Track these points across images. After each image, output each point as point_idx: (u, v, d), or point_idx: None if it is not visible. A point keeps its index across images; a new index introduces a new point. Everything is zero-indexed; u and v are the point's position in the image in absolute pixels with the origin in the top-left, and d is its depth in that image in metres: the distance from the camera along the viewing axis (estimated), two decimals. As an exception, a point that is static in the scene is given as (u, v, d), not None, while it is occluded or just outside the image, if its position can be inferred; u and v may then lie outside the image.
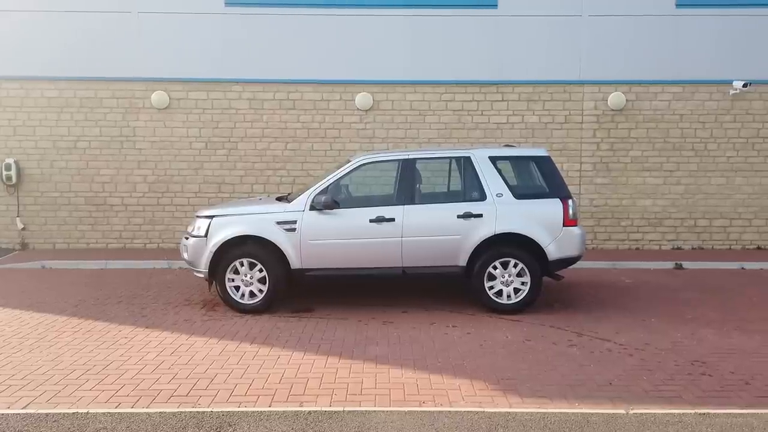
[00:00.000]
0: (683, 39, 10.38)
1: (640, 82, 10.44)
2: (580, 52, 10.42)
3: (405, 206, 6.52)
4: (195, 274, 6.78)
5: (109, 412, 4.01)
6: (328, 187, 6.61)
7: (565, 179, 10.39)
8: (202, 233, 6.59)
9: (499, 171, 6.66)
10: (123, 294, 7.50)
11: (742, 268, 9.35)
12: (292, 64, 10.29)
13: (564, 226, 6.52)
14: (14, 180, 10.20)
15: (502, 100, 10.47)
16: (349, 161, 6.91)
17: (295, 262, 6.51)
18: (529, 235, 6.46)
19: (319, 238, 6.48)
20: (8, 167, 10.14)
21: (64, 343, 5.52)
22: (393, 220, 6.46)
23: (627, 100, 10.44)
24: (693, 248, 10.66)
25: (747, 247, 10.69)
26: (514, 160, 6.97)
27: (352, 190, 7.05)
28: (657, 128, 10.53)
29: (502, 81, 10.43)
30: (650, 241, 10.70)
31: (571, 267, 7.08)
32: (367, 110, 10.40)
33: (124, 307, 6.84)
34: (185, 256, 6.79)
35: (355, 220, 6.50)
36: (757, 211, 10.64)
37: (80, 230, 10.50)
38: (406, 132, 10.47)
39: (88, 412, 4.01)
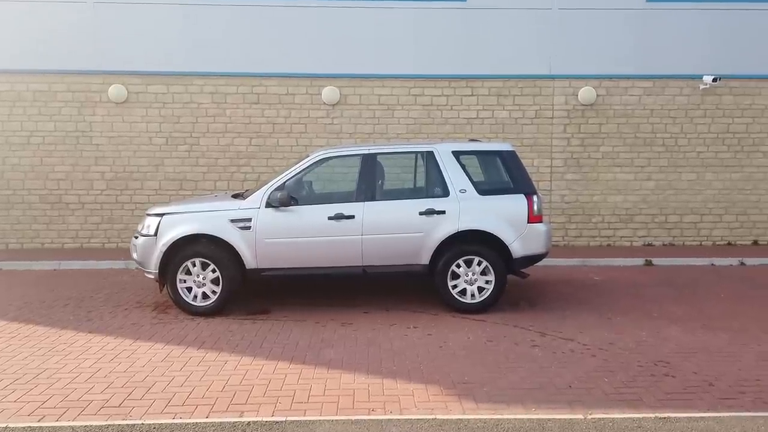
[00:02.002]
0: (653, 33, 10.28)
1: (610, 77, 10.33)
2: (551, 46, 10.26)
3: (365, 203, 6.27)
4: (146, 274, 6.46)
5: (30, 426, 3.70)
6: (284, 183, 6.34)
7: (536, 175, 10.36)
8: (152, 232, 6.27)
9: (463, 166, 6.45)
10: (72, 296, 7.14)
11: (712, 265, 9.28)
12: (256, 57, 9.97)
13: (529, 222, 6.33)
14: (-37, 177, 9.73)
15: (472, 95, 10.28)
16: (308, 156, 6.64)
17: (250, 262, 6.22)
18: (492, 232, 6.26)
19: (275, 236, 6.20)
20: (-44, 164, 9.67)
21: (-3, 349, 5.18)
22: (353, 217, 6.21)
23: (597, 95, 10.31)
24: (664, 245, 10.59)
25: (717, 243, 10.65)
26: (478, 155, 6.76)
27: (310, 187, 6.78)
28: (628, 123, 10.43)
29: (471, 75, 10.23)
30: (621, 237, 10.60)
31: (540, 264, 6.93)
32: (334, 105, 10.13)
33: (70, 311, 6.49)
34: (134, 256, 6.46)
35: (313, 217, 6.24)
36: (728, 206, 10.60)
37: (34, 229, 10.06)
38: (375, 127, 10.22)
39: (6, 427, 3.69)
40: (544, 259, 7.35)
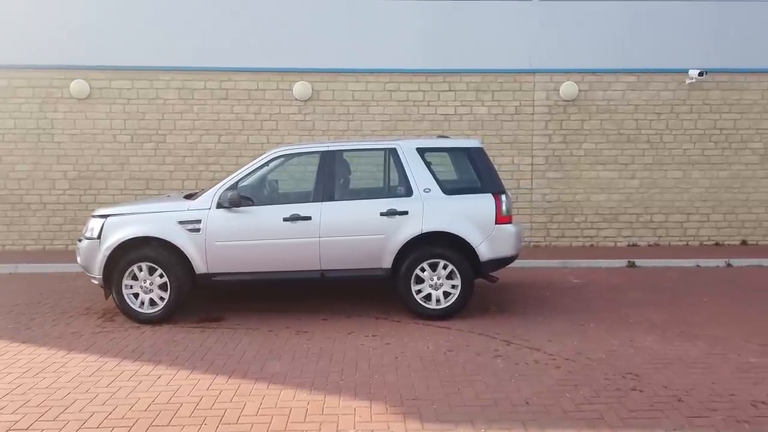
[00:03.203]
0: (638, 26, 9.92)
1: (593, 71, 9.97)
2: (531, 39, 9.90)
3: (323, 203, 5.90)
4: (91, 280, 6.08)
5: None
6: (236, 182, 5.96)
7: (516, 173, 10.02)
8: (95, 235, 5.90)
9: (428, 164, 6.08)
10: (19, 302, 6.76)
11: (698, 266, 8.94)
12: (224, 51, 9.59)
13: (497, 223, 5.96)
14: None
15: (450, 90, 9.91)
16: (264, 154, 6.26)
17: (200, 266, 5.85)
18: (458, 234, 5.89)
19: (227, 239, 5.83)
20: None
21: None
22: (309, 218, 5.83)
23: (580, 90, 9.95)
24: (649, 245, 10.24)
25: (705, 243, 10.30)
26: (443, 152, 6.39)
27: (265, 186, 6.40)
28: (611, 120, 10.07)
29: (449, 70, 9.86)
30: (605, 237, 10.25)
31: (517, 266, 6.60)
32: (306, 100, 9.75)
33: (12, 318, 6.11)
34: (78, 260, 6.08)
35: (266, 218, 5.86)
36: (715, 205, 10.25)
37: (-5, 231, 9.67)
38: (349, 124, 9.85)
39: None
40: (522, 261, 7.03)
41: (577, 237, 10.21)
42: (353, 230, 5.87)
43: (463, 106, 9.94)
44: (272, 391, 4.23)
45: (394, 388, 4.28)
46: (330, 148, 6.10)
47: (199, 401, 4.06)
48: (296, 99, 9.72)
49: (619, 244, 10.22)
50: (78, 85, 9.43)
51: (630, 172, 10.14)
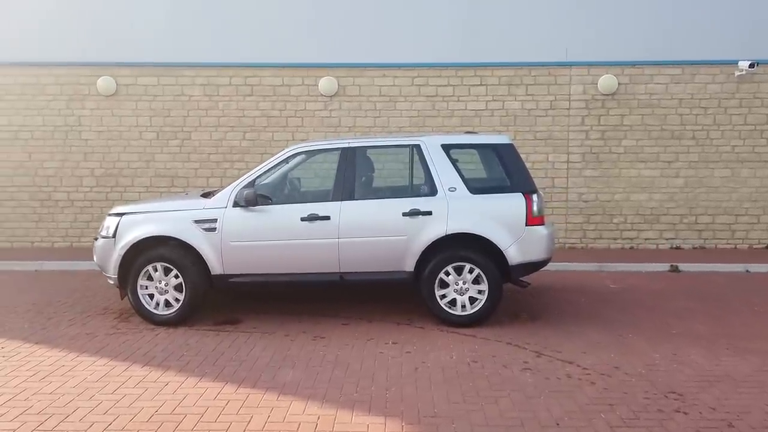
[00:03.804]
0: (682, 14, 9.34)
1: (633, 64, 9.41)
2: (568, 30, 9.41)
3: (342, 202, 5.62)
4: (108, 280, 5.95)
5: None
6: (254, 180, 5.74)
7: (551, 171, 9.55)
8: (111, 233, 5.76)
9: (454, 161, 5.73)
10: (40, 300, 6.71)
11: (747, 272, 8.32)
12: (249, 46, 9.43)
13: (527, 225, 5.57)
14: (-49, 174, 9.47)
15: (481, 85, 9.50)
16: (282, 151, 6.02)
17: (215, 267, 5.64)
18: (485, 236, 5.53)
19: (243, 239, 5.61)
20: (-55, 160, 9.41)
21: (-73, 363, 4.72)
22: (328, 218, 5.56)
23: (619, 84, 9.41)
24: (694, 248, 9.63)
25: (755, 246, 9.64)
26: (471, 148, 6.03)
27: (283, 184, 6.16)
28: (653, 114, 9.50)
29: (480, 63, 9.45)
30: (646, 239, 9.69)
31: (551, 269, 6.21)
32: (331, 96, 9.50)
33: (30, 317, 6.04)
34: (95, 259, 5.96)
35: (284, 218, 5.62)
36: (766, 206, 9.57)
37: (24, 227, 9.74)
38: (375, 120, 9.55)
39: None
40: (556, 263, 6.61)
41: (615, 239, 9.68)
42: (374, 231, 5.57)
43: (495, 101, 9.52)
44: (282, 403, 3.97)
45: (412, 403, 3.97)
46: (350, 145, 5.81)
47: (204, 412, 3.83)
48: (322, 95, 9.48)
49: (661, 247, 9.65)
50: (105, 82, 9.40)
51: (674, 170, 9.55)
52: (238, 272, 5.66)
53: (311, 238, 5.57)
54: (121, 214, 5.80)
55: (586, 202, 9.65)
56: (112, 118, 9.56)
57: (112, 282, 5.83)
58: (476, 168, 6.13)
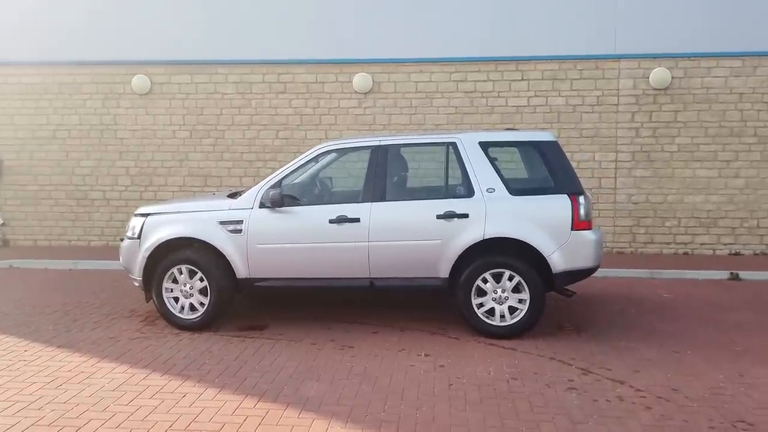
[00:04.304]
0: (742, 1, 8.62)
1: (689, 55, 8.77)
2: (616, 20, 8.84)
3: (373, 204, 5.30)
4: (133, 282, 5.79)
5: None
6: (280, 180, 5.47)
7: (597, 171, 9.00)
8: (136, 234, 5.60)
9: (492, 160, 5.33)
10: (68, 300, 6.63)
11: (816, 280, 7.61)
12: (282, 43, 9.22)
13: (573, 229, 5.13)
14: (-7, 172, 9.61)
15: (522, 79, 9.04)
16: (311, 149, 5.74)
17: (241, 271, 5.41)
18: (526, 241, 5.11)
19: (269, 241, 5.35)
20: (-14, 159, 9.56)
21: (-51, 366, 4.63)
22: (357, 220, 5.25)
23: (673, 77, 8.78)
24: (755, 254, 8.92)
25: (823, 252, 8.86)
26: (511, 146, 5.61)
27: (311, 184, 5.88)
28: (710, 110, 8.83)
29: (522, 57, 8.99)
30: (702, 244, 9.03)
31: (597, 275, 5.73)
32: (366, 93, 9.20)
33: (56, 317, 5.95)
34: (120, 260, 5.82)
35: (311, 220, 5.34)
36: (837, 209, 8.79)
37: (62, 226, 9.81)
38: (411, 117, 9.20)
39: None
40: (603, 270, 6.13)
41: (668, 243, 9.05)
42: (406, 234, 5.23)
43: (538, 96, 9.04)
44: (303, 421, 3.68)
45: (443, 426, 3.61)
46: (382, 143, 5.48)
47: (221, 429, 3.57)
48: (356, 91, 9.20)
49: (718, 253, 8.97)
50: (139, 81, 9.36)
51: (733, 170, 8.86)
52: (265, 276, 5.42)
53: (340, 242, 5.28)
54: (146, 215, 5.63)
55: (635, 204, 9.05)
56: (147, 116, 9.51)
57: (137, 284, 5.67)
58: (517, 167, 5.72)
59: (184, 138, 9.51)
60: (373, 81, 9.14)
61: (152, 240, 5.48)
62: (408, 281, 5.31)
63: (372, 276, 5.31)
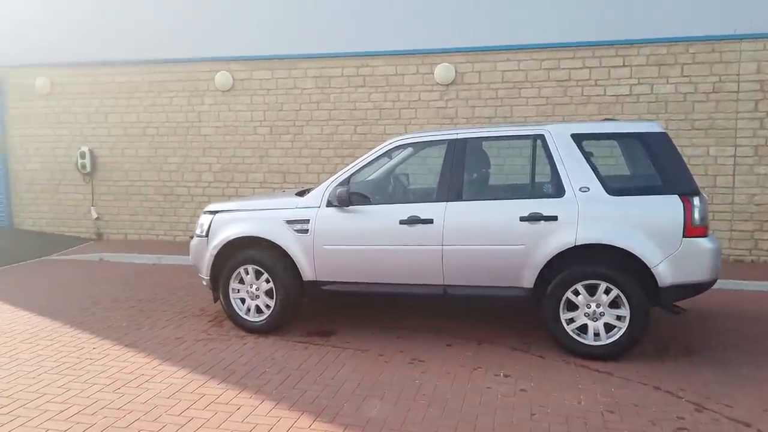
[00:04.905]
0: None
1: (830, 32, 7.47)
2: (738, -5, 7.71)
3: (448, 203, 4.79)
4: (202, 281, 5.66)
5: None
6: (349, 177, 5.10)
7: (711, 168, 7.91)
8: (204, 232, 5.46)
9: (587, 155, 4.65)
10: (145, 296, 6.67)
11: None
12: (360, 34, 8.88)
13: (685, 236, 4.35)
14: (89, 168, 10.03)
15: (624, 66, 8.11)
16: (382, 144, 5.32)
17: (307, 273, 5.10)
18: (628, 249, 4.40)
19: (336, 242, 5.00)
20: (83, 155, 9.99)
21: (21, 359, 4.67)
22: (431, 221, 4.77)
23: (809, 58, 7.53)
24: None
25: None
26: (610, 139, 4.88)
27: (381, 182, 5.46)
28: None
29: (623, 41, 8.06)
30: (841, 253, 7.69)
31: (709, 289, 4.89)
32: (448, 85, 8.66)
33: (131, 314, 5.96)
34: (190, 258, 5.72)
35: (381, 220, 4.92)
36: None
37: (150, 221, 10.09)
38: (497, 110, 8.56)
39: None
40: (719, 281, 5.25)
41: (797, 251, 7.80)
42: (485, 238, 4.68)
43: (641, 84, 8.08)
44: (360, 449, 3.28)
45: (521, 468, 3.07)
46: (459, 136, 4.96)
47: (269, 452, 3.24)
48: (437, 83, 8.68)
49: None
50: (222, 77, 9.40)
51: None
52: (331, 279, 5.07)
53: (411, 244, 4.82)
54: (214, 212, 5.48)
55: (758, 205, 7.87)
56: (229, 113, 9.54)
57: (205, 283, 5.53)
58: (617, 164, 4.99)
59: (265, 134, 9.44)
60: (456, 71, 8.58)
61: (219, 238, 5.31)
62: (486, 290, 4.76)
63: (446, 283, 4.82)
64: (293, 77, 9.24)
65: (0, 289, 7.06)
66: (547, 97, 8.37)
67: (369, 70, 8.93)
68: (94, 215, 10.20)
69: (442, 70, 8.58)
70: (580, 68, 8.25)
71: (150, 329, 5.47)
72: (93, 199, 10.22)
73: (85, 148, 10.00)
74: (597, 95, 8.23)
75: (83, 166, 10.02)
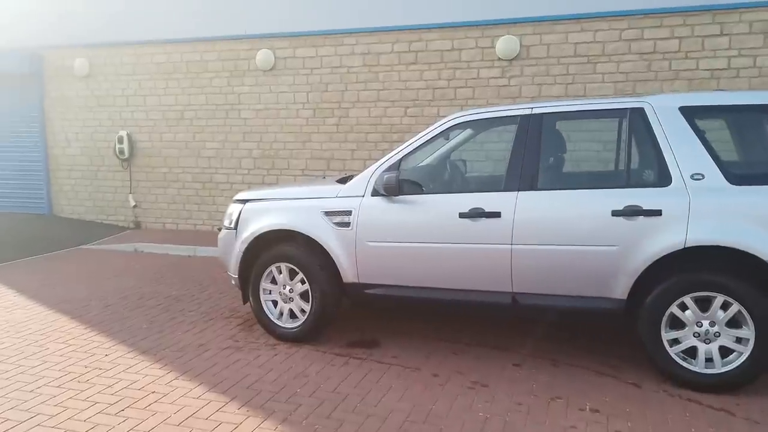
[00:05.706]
0: None
1: None
2: None
3: (519, 193, 3.91)
4: (230, 280, 4.98)
5: None
6: (399, 161, 4.30)
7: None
8: (232, 224, 4.76)
9: (700, 133, 3.67)
10: (174, 293, 6.09)
11: None
12: (413, 4, 8.00)
13: (836, 239, 3.33)
14: (126, 154, 9.60)
15: (722, 35, 6.93)
16: (439, 121, 4.46)
17: (348, 274, 4.33)
18: (755, 254, 3.41)
19: (382, 238, 4.20)
20: (121, 140, 9.55)
21: (24, 367, 4.11)
22: (498, 215, 3.90)
23: None
24: None
25: None
26: (728, 113, 3.87)
27: (438, 167, 4.61)
28: None
29: (722, 5, 6.88)
30: None
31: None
32: (511, 60, 7.69)
33: (155, 313, 5.36)
34: (217, 253, 5.05)
35: (436, 212, 4.09)
36: None
37: (188, 210, 9.58)
38: (567, 88, 7.53)
39: None
40: None
41: None
42: (565, 237, 3.78)
43: (743, 56, 6.88)
44: None
45: None
46: (534, 111, 4.05)
47: None
48: (499, 58, 7.72)
49: None
50: (263, 56, 8.73)
51: None
52: (376, 282, 4.28)
53: (473, 242, 3.97)
54: (244, 201, 4.77)
55: None
56: (270, 94, 8.87)
57: (233, 282, 4.83)
58: (737, 144, 3.97)
59: (308, 117, 8.72)
60: (520, 44, 7.60)
61: (249, 231, 4.60)
62: (566, 301, 3.86)
63: (515, 291, 3.94)
64: (339, 54, 8.46)
65: (29, 279, 6.65)
66: (627, 73, 7.28)
67: (422, 45, 8.05)
68: (132, 203, 9.79)
69: (505, 43, 7.61)
70: (668, 38, 7.11)
71: (172, 333, 4.84)
72: (131, 187, 9.80)
73: (123, 133, 9.56)
74: (687, 69, 7.08)
75: (121, 152, 9.59)
